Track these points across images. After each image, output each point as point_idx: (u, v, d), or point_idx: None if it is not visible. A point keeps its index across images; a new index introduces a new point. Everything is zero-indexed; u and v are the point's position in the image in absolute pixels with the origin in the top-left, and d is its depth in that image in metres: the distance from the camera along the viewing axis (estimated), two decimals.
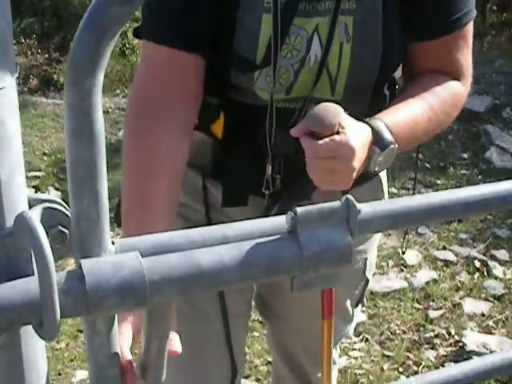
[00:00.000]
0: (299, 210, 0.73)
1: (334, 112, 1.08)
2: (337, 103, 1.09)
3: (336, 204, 0.75)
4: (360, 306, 1.56)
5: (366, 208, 0.78)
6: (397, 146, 1.13)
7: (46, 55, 7.74)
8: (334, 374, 1.77)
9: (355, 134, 1.07)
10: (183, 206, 1.34)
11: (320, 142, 1.05)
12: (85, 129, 0.58)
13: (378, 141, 1.12)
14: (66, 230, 0.66)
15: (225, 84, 1.20)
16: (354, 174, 1.09)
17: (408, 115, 1.19)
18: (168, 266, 0.64)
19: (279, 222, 0.77)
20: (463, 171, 4.05)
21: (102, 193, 0.62)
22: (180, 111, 1.15)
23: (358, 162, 1.08)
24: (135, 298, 0.61)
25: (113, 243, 0.65)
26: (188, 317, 1.32)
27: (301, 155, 1.10)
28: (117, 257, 0.63)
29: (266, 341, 2.08)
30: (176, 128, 1.14)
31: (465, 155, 4.23)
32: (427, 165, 4.13)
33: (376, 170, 1.16)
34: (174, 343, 0.87)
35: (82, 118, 0.58)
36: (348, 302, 1.51)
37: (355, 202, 0.74)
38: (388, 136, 1.13)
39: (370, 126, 1.12)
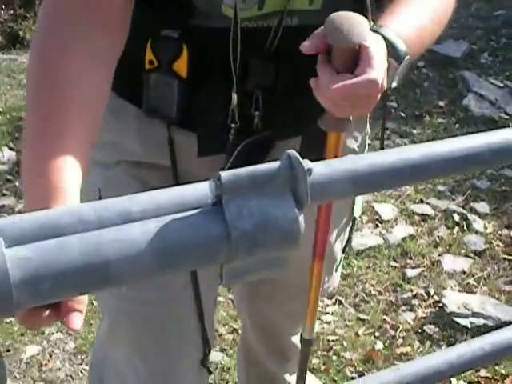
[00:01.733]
0: (224, 174, 0.52)
1: (359, 26, 0.91)
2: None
3: (274, 165, 0.54)
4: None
5: (320, 168, 0.58)
6: (409, 56, 0.99)
7: (11, 11, 7.41)
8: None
9: (378, 54, 0.91)
10: (141, 165, 1.14)
11: (348, 82, 0.89)
12: None
13: (393, 53, 0.97)
14: None
15: (185, 9, 1.01)
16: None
17: (414, 19, 1.04)
18: (44, 259, 0.47)
19: (202, 190, 0.56)
20: (440, 120, 3.87)
21: None
22: (98, 39, 0.91)
23: (381, 89, 0.93)
24: None
25: None
26: (152, 297, 1.15)
27: (286, 86, 0.99)
28: None
29: (236, 306, 1.89)
30: (93, 56, 0.90)
31: (441, 103, 4.06)
32: (402, 114, 3.96)
33: (393, 86, 1.02)
34: (73, 319, 0.69)
35: None
36: (337, 246, 1.36)
37: (302, 161, 0.54)
38: (402, 46, 0.98)
39: (382, 36, 0.96)
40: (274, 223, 0.53)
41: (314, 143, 1.07)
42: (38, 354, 2.28)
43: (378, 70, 0.89)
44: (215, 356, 2.32)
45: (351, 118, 1.00)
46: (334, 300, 2.57)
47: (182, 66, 1.04)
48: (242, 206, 0.52)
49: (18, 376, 2.18)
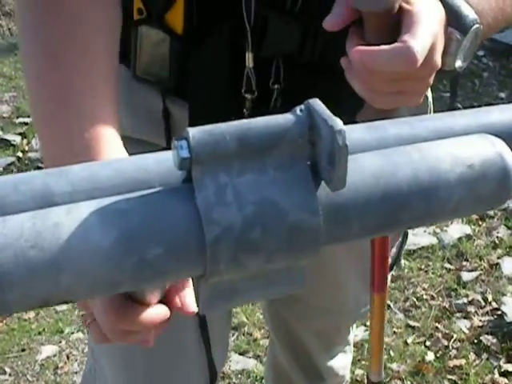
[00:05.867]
0: (195, 131, 0.32)
1: None
2: None
3: (282, 119, 0.34)
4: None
5: (358, 131, 0.38)
6: (481, 26, 0.74)
7: None
8: (348, 359, 1.42)
9: (426, 20, 0.67)
10: (133, 142, 0.92)
11: (376, 48, 0.66)
12: None
13: (455, 21, 0.72)
14: None
15: None
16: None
17: None
18: None
19: (167, 161, 0.36)
20: None
21: None
22: None
23: (436, 68, 0.70)
24: None
25: None
26: None
27: (314, 57, 0.80)
28: None
29: (263, 317, 1.71)
30: None
31: (502, 94, 3.82)
32: (459, 105, 3.69)
33: (457, 66, 0.76)
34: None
35: None
36: None
37: (332, 116, 0.33)
38: (469, 12, 0.73)
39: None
40: (280, 214, 0.33)
41: None
42: (54, 356, 2.12)
43: (422, 38, 0.66)
44: (247, 363, 2.13)
45: (400, 111, 0.76)
46: None
47: (176, 17, 0.82)
48: (226, 185, 0.32)
49: (30, 379, 2.02)
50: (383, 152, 0.38)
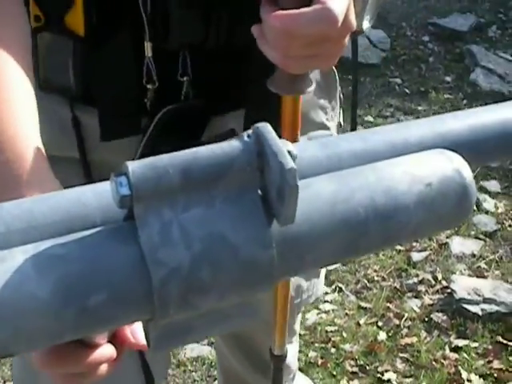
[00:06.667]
0: (135, 165, 0.29)
1: None
2: None
3: (230, 145, 0.31)
4: None
5: (310, 149, 0.36)
6: None
7: None
8: (295, 349, 1.39)
9: None
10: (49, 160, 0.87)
11: (294, 12, 0.62)
12: None
13: None
14: None
15: None
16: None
17: None
18: None
19: (106, 194, 0.33)
20: (446, 95, 3.64)
21: None
22: None
23: (352, 29, 0.68)
24: None
25: None
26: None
27: (220, 44, 0.77)
28: None
29: None
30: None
31: (448, 78, 3.83)
32: (406, 90, 3.73)
33: (364, 27, 0.77)
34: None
35: None
36: None
37: (279, 144, 0.30)
38: None
39: None
40: (230, 250, 0.30)
41: (263, 119, 0.81)
42: None
43: (336, 0, 0.64)
44: (202, 350, 2.11)
45: (312, 77, 0.74)
46: (333, 287, 2.37)
47: (76, 19, 0.77)
48: (171, 222, 0.29)
49: None
50: (337, 175, 0.35)
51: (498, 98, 3.45)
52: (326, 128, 1.01)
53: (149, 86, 0.80)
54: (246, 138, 0.31)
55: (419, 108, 3.54)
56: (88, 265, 0.28)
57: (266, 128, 0.31)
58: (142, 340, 0.54)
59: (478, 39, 4.15)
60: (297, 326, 1.32)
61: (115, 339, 0.53)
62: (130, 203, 0.29)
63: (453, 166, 0.37)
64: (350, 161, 0.39)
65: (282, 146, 0.30)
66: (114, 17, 0.78)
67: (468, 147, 0.42)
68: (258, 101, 0.82)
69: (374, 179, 0.35)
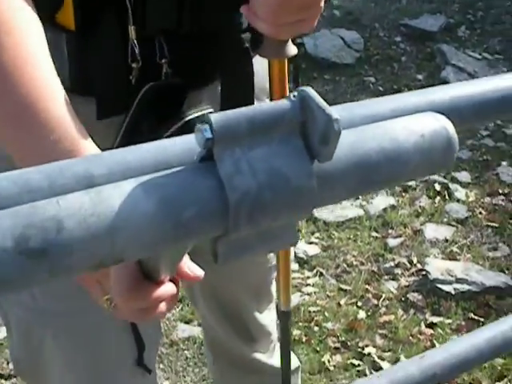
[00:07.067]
0: (215, 116, 0.38)
1: None
2: None
3: (281, 104, 0.40)
4: None
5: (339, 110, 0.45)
6: None
7: None
8: (273, 315, 1.45)
9: None
10: None
11: None
12: None
13: None
14: None
15: None
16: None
17: None
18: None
19: (184, 144, 0.42)
20: None
21: None
22: None
23: None
24: None
25: None
26: (69, 307, 0.96)
27: (192, 29, 0.84)
28: None
29: (191, 301, 1.74)
30: None
31: (420, 76, 3.94)
32: (380, 88, 3.83)
33: None
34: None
35: None
36: None
37: (323, 101, 0.40)
38: None
39: None
40: (284, 179, 0.39)
41: (238, 90, 0.92)
42: None
43: None
44: (192, 331, 2.20)
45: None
46: (314, 272, 2.46)
47: (66, 15, 0.82)
48: (241, 158, 0.38)
49: None
50: (354, 130, 0.45)
51: None
52: None
53: (133, 65, 0.85)
54: (292, 98, 0.41)
55: None
56: (181, 189, 0.37)
57: (310, 90, 0.40)
58: (199, 272, 0.63)
59: (447, 39, 4.26)
60: (272, 293, 1.37)
61: (174, 278, 0.63)
62: (211, 145, 0.38)
63: (440, 124, 0.47)
64: (361, 122, 0.49)
65: (328, 106, 0.39)
66: (101, 7, 0.83)
67: (452, 111, 0.52)
68: (230, 74, 0.91)
69: (381, 132, 0.45)
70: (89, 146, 0.66)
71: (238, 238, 0.41)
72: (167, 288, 0.62)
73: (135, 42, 0.84)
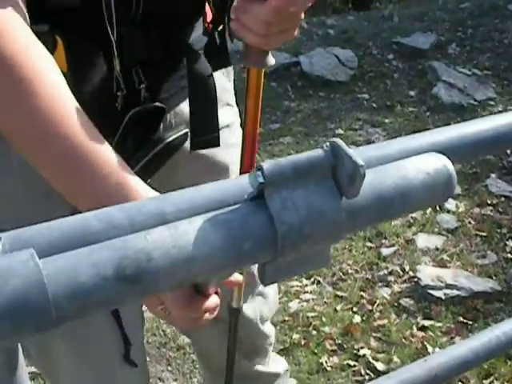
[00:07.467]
0: (267, 164, 0.48)
1: None
2: None
3: (316, 153, 0.50)
4: None
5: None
6: None
7: None
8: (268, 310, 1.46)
9: None
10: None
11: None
12: None
13: None
14: None
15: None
16: None
17: None
18: (83, 269, 0.40)
19: (237, 185, 0.52)
20: (411, 108, 3.84)
21: None
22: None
23: (311, 2, 0.85)
24: (34, 321, 0.36)
25: None
26: None
27: (161, 56, 0.93)
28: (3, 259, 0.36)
29: None
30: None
31: (412, 93, 4.03)
32: (374, 104, 3.92)
33: None
34: None
35: None
36: None
37: (350, 150, 0.50)
38: None
39: None
40: (321, 214, 0.49)
41: (203, 104, 1.01)
42: None
43: None
44: None
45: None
46: (312, 280, 2.54)
47: (59, 59, 0.86)
48: (286, 198, 0.48)
49: None
50: (373, 170, 0.55)
51: (458, 109, 3.65)
52: (231, 105, 1.21)
53: (118, 94, 0.94)
54: (325, 148, 0.50)
55: (386, 121, 3.71)
56: (240, 224, 0.47)
57: (339, 141, 0.50)
58: (239, 277, 0.74)
59: (438, 56, 4.34)
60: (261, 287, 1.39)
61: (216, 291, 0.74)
62: (262, 187, 0.48)
63: (442, 163, 0.57)
64: (376, 161, 0.59)
65: (355, 154, 0.49)
66: (89, 53, 0.91)
67: (450, 151, 0.62)
68: (197, 90, 1.00)
69: (394, 171, 0.55)
70: (132, 177, 0.73)
71: (281, 262, 0.50)
72: (213, 300, 0.73)
73: (120, 73, 0.93)
